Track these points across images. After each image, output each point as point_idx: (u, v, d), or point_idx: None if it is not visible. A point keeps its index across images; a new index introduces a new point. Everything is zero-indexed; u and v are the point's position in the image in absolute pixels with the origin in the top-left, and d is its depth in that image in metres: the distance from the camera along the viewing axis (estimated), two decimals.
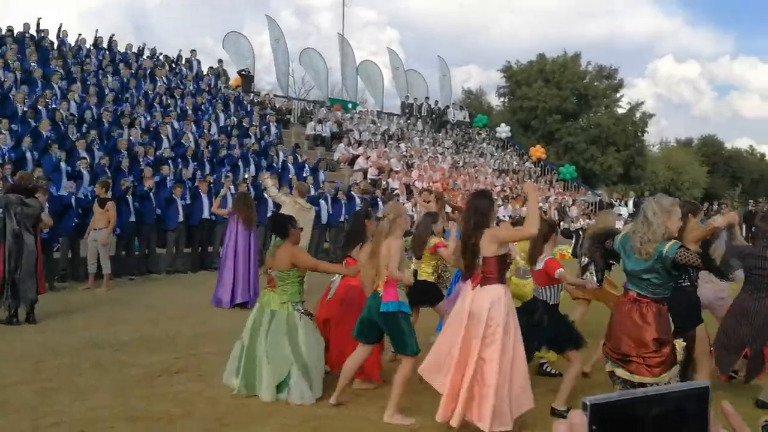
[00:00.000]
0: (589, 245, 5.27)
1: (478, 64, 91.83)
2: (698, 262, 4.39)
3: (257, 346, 5.82)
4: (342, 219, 16.35)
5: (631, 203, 28.26)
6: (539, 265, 5.65)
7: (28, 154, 13.09)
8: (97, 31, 21.06)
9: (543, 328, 5.57)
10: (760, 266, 5.76)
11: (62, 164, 12.95)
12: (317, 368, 5.83)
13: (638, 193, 34.50)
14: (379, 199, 17.37)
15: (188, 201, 13.79)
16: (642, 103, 44.50)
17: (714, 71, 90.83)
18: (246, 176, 16.09)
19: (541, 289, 5.72)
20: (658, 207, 4.39)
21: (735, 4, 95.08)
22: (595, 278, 7.58)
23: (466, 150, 28.76)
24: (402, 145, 25.52)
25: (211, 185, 14.51)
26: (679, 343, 4.44)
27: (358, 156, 22.36)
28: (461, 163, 26.09)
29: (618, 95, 43.95)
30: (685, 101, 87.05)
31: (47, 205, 10.29)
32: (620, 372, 4.52)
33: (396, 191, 19.68)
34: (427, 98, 31.59)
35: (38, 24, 19.50)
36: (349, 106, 28.72)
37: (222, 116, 20.09)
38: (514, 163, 29.69)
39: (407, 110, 30.55)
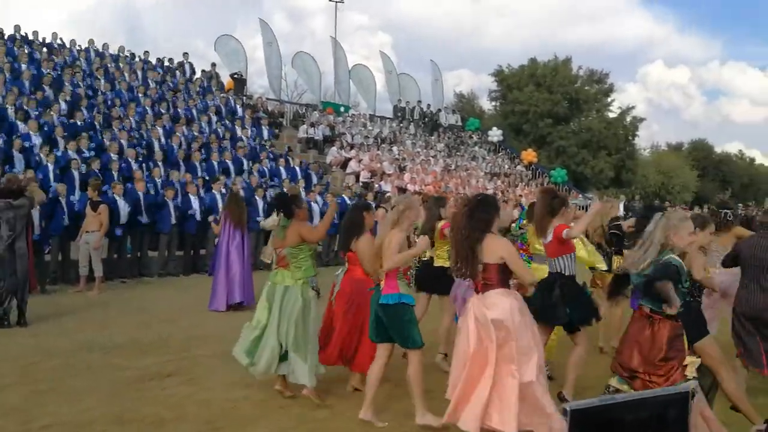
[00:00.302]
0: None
1: (469, 68, 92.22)
2: (670, 300, 4.21)
3: (270, 321, 5.91)
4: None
5: (621, 207, 28.34)
6: (548, 237, 5.61)
7: (17, 156, 13.07)
8: (91, 41, 21.08)
9: (567, 300, 5.52)
10: (758, 256, 5.63)
11: (50, 166, 12.91)
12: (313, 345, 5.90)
13: (629, 197, 34.65)
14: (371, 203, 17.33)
15: (179, 203, 13.76)
16: (633, 107, 44.95)
17: (703, 76, 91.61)
18: (238, 179, 16.10)
19: (554, 261, 5.71)
20: (664, 221, 4.31)
21: (724, 11, 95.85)
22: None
23: (458, 153, 28.82)
24: (394, 148, 25.54)
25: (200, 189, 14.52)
26: (691, 359, 4.32)
27: (350, 159, 22.38)
28: (453, 167, 26.11)
29: (609, 99, 44.30)
30: (675, 106, 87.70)
31: (38, 209, 10.31)
32: (625, 389, 4.42)
33: (388, 194, 19.68)
34: (420, 102, 31.66)
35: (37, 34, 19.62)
36: (342, 109, 28.74)
37: (214, 119, 20.09)
38: (506, 166, 29.75)
39: (399, 114, 30.60)
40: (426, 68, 35.74)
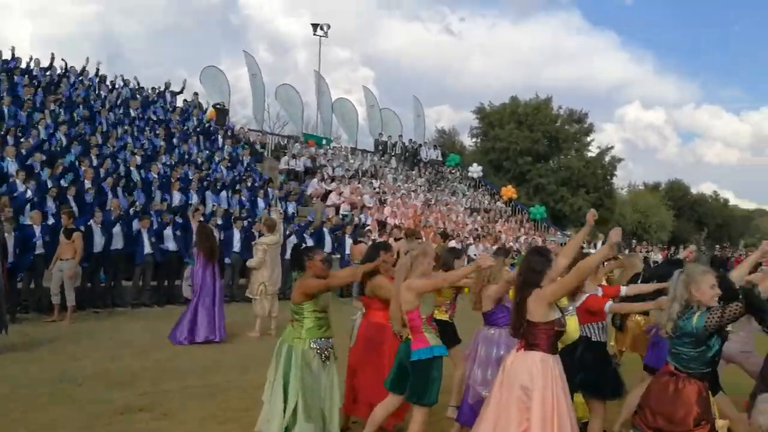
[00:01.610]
0: None
1: (451, 104, 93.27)
2: (733, 312, 3.97)
3: (276, 380, 5.39)
4: None
5: (599, 245, 28.54)
6: (579, 302, 5.36)
7: None
8: (66, 63, 20.94)
9: (585, 367, 5.24)
10: None
11: (28, 192, 12.71)
12: (330, 413, 5.38)
13: (606, 235, 34.89)
14: (347, 236, 17.29)
15: (155, 231, 13.60)
16: (611, 147, 45.43)
17: (679, 118, 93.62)
18: (214, 207, 15.99)
19: (582, 327, 5.44)
20: (684, 276, 4.15)
21: (699, 55, 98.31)
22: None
23: (438, 188, 29.01)
24: (375, 181, 25.59)
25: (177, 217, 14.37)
26: (722, 423, 4.12)
27: (330, 191, 22.35)
28: (433, 201, 26.21)
29: (588, 139, 44.78)
30: (651, 146, 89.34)
31: (12, 235, 10.18)
32: None
33: (368, 227, 19.66)
34: (401, 136, 31.85)
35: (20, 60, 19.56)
36: (324, 142, 28.81)
37: (194, 149, 20.01)
38: (486, 202, 29.95)
39: (381, 147, 30.75)
40: (408, 103, 36.09)
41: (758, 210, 71.94)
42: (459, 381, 6.40)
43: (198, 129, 21.86)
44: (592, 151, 44.46)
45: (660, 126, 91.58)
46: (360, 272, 5.75)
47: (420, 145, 32.43)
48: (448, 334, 6.54)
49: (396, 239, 15.12)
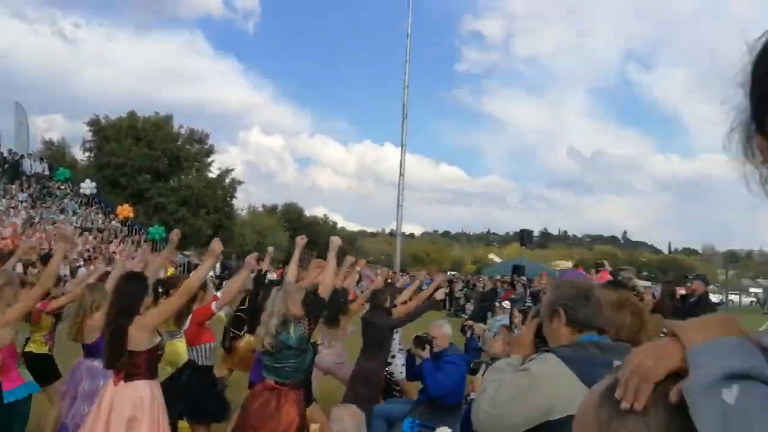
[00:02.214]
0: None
1: (64, 114, 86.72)
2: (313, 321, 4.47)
3: None
4: None
5: (218, 267, 28.85)
6: (187, 324, 5.30)
7: None
8: None
9: (189, 392, 5.10)
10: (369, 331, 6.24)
11: None
12: None
13: (226, 256, 35.47)
14: None
15: None
16: (232, 169, 46.80)
17: (295, 145, 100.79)
18: None
19: (191, 349, 5.33)
20: (282, 293, 4.46)
21: (310, 87, 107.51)
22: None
23: (44, 205, 26.97)
24: None
25: None
26: (314, 426, 4.42)
27: None
28: (38, 219, 24.17)
29: (209, 160, 45.41)
30: (271, 170, 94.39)
31: None
32: None
33: None
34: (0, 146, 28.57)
35: None
36: None
37: None
38: (100, 221, 28.51)
39: None
40: (8, 109, 32.69)
41: (361, 231, 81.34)
42: (55, 419, 5.75)
43: None
44: (214, 172, 45.17)
45: (279, 151, 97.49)
46: None
47: (22, 156, 29.59)
48: (49, 368, 5.92)
49: None
